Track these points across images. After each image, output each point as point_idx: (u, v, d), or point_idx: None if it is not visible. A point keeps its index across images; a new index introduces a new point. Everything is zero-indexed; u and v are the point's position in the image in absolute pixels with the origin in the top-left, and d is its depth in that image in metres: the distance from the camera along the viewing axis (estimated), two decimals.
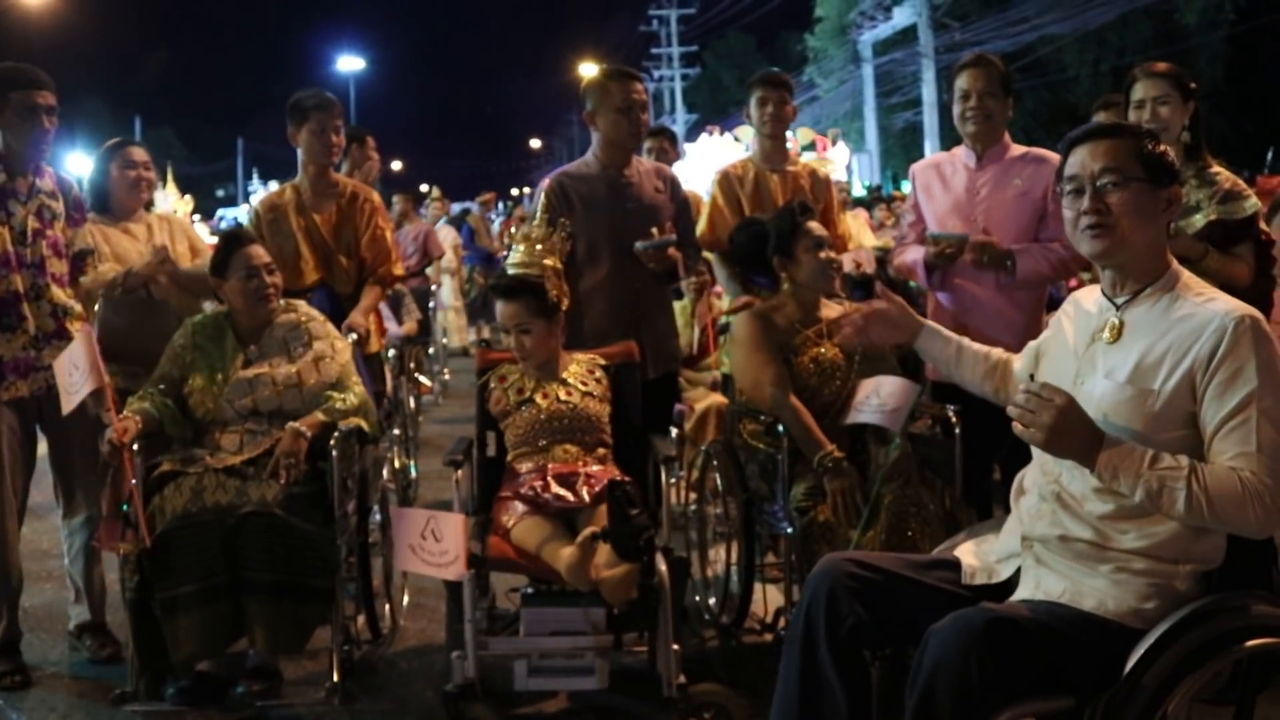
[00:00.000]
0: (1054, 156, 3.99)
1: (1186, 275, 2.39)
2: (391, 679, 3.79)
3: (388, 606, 4.19)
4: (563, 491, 3.39)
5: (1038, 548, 2.42)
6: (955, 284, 4.05)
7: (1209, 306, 2.27)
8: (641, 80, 4.42)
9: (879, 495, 3.44)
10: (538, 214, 4.13)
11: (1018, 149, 4.09)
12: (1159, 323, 2.32)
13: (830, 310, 3.97)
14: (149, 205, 4.55)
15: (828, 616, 2.41)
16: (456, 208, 14.89)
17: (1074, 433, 2.19)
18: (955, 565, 2.56)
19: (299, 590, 3.35)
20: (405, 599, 4.39)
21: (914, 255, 4.13)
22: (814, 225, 3.89)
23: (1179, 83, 3.80)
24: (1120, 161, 2.34)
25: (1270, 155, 11.40)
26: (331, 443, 3.60)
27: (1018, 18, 24.25)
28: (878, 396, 3.57)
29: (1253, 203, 3.75)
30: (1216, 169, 3.81)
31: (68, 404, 3.55)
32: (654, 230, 4.16)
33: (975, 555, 2.57)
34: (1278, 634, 2.23)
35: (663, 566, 3.10)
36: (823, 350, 3.83)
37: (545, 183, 4.34)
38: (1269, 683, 2.38)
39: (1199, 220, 3.69)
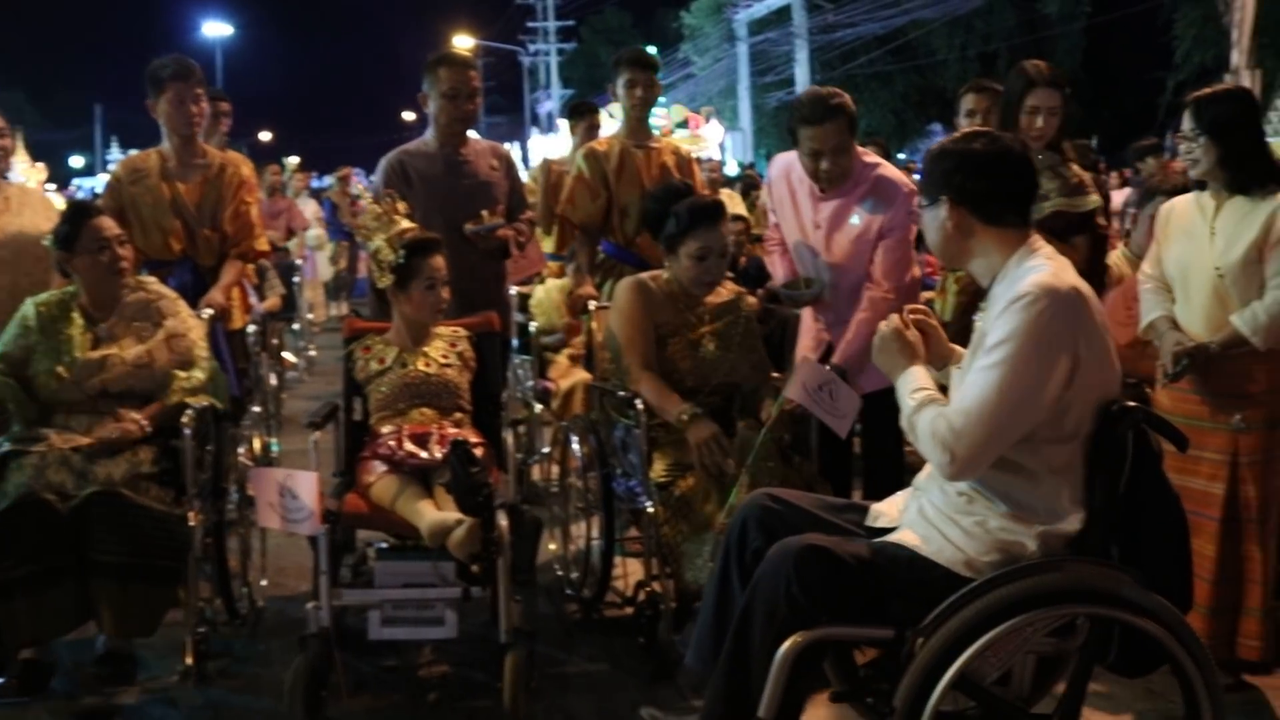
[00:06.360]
0: (905, 184, 3.92)
1: (1035, 253, 2.47)
2: (249, 660, 3.74)
3: (245, 588, 4.11)
4: (415, 449, 3.48)
5: (922, 496, 2.59)
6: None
7: (1021, 283, 2.39)
8: (475, 67, 4.44)
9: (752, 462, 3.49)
10: (380, 190, 4.21)
11: (865, 175, 3.91)
12: (994, 306, 2.46)
13: (715, 295, 3.93)
14: (4, 174, 4.36)
15: (738, 543, 2.65)
16: (325, 181, 14.51)
17: (889, 354, 2.59)
18: (865, 510, 2.76)
19: (148, 572, 3.28)
20: (264, 580, 4.31)
21: (779, 273, 4.19)
22: (706, 233, 3.75)
23: (1065, 94, 3.97)
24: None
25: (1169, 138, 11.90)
26: (184, 420, 3.52)
27: (889, 1, 24.72)
28: (832, 397, 3.38)
29: (1094, 199, 3.98)
30: (1072, 166, 3.99)
31: None
32: (484, 213, 4.29)
33: (887, 502, 2.75)
34: (1104, 603, 2.33)
35: (503, 522, 3.19)
36: (700, 332, 3.84)
37: (385, 160, 4.50)
38: (1103, 655, 2.43)
39: (1046, 208, 3.84)
